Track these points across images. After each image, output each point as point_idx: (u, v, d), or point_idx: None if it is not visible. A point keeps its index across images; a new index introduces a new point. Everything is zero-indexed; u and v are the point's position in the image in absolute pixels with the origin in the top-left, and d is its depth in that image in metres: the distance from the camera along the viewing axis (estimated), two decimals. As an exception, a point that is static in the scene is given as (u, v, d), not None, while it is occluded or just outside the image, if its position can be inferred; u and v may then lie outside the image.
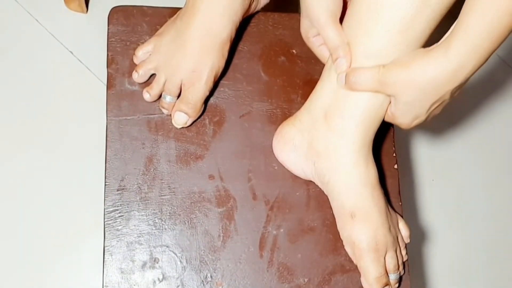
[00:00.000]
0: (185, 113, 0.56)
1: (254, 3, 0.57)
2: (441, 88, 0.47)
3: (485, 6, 0.42)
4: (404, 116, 0.50)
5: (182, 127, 0.57)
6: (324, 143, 0.53)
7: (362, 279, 0.54)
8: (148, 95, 0.57)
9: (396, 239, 0.55)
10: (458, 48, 0.44)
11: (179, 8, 0.60)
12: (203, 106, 0.57)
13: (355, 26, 0.50)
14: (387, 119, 0.53)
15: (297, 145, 0.55)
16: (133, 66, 0.58)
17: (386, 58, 0.48)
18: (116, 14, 0.60)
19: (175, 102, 0.57)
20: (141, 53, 0.58)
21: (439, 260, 1.02)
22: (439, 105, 0.49)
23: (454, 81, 0.46)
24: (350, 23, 0.50)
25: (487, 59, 0.45)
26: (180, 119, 0.57)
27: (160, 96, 0.57)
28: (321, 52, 0.57)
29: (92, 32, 0.99)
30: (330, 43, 0.51)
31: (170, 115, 0.57)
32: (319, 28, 0.52)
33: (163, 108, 0.57)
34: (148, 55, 0.57)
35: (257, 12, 0.61)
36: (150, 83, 0.57)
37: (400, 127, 0.53)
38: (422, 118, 0.51)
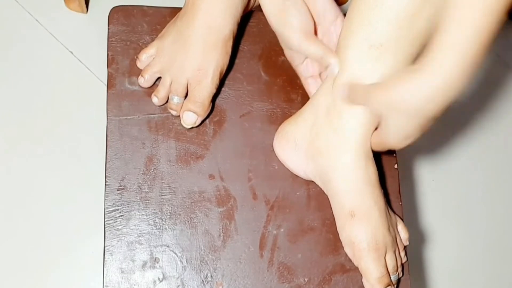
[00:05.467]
0: (194, 112, 0.56)
1: None
2: (428, 107, 0.44)
3: (463, 13, 0.40)
4: (393, 137, 0.48)
5: (192, 127, 0.57)
6: (325, 142, 0.53)
7: (364, 281, 0.54)
8: (156, 98, 0.57)
9: (395, 240, 0.55)
10: (443, 62, 0.41)
11: (179, 8, 0.60)
12: (211, 104, 0.57)
13: (356, 16, 0.50)
14: (375, 147, 0.52)
15: (298, 144, 0.55)
16: (133, 66, 0.58)
17: (388, 53, 0.48)
18: (116, 14, 0.60)
19: (183, 102, 0.57)
20: (144, 57, 0.58)
21: (439, 260, 1.02)
22: (428, 122, 0.46)
23: (441, 98, 0.43)
24: (351, 15, 0.50)
25: (475, 68, 0.42)
26: (189, 119, 0.56)
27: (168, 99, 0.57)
28: (308, 87, 0.59)
29: (92, 32, 0.99)
30: (314, 56, 0.52)
31: (179, 116, 0.57)
32: (298, 49, 0.53)
33: (172, 109, 0.57)
34: (152, 59, 0.57)
35: (257, 9, 0.61)
36: (156, 85, 0.57)
37: (390, 149, 0.51)
38: (412, 138, 0.48)
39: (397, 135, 0.48)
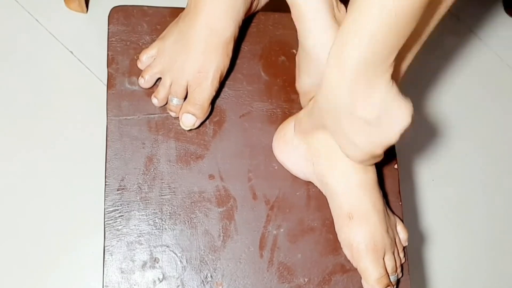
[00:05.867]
0: (193, 115, 0.56)
1: (255, 1, 0.57)
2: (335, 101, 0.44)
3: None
4: (349, 149, 0.48)
5: (191, 129, 0.57)
6: (324, 143, 0.53)
7: (363, 282, 0.54)
8: (156, 100, 0.57)
9: (394, 241, 0.55)
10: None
11: (179, 8, 0.60)
12: (210, 106, 0.57)
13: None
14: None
15: (296, 145, 0.55)
16: (133, 66, 0.58)
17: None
18: (116, 14, 0.60)
19: (182, 104, 0.57)
20: (145, 58, 0.57)
21: (439, 261, 1.02)
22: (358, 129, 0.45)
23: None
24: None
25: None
26: (188, 121, 0.56)
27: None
28: None
29: (92, 32, 0.99)
30: None
31: (178, 117, 0.57)
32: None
33: (171, 111, 0.57)
34: (153, 59, 0.57)
35: (258, 11, 0.61)
36: (156, 86, 0.57)
37: (364, 164, 0.51)
38: (367, 149, 0.46)
39: (347, 144, 0.48)
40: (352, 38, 0.40)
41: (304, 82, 0.55)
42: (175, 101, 0.56)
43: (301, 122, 0.55)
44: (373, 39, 0.39)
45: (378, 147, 0.46)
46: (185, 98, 0.56)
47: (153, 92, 0.58)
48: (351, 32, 0.40)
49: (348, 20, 0.41)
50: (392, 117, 0.43)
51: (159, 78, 0.57)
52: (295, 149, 0.56)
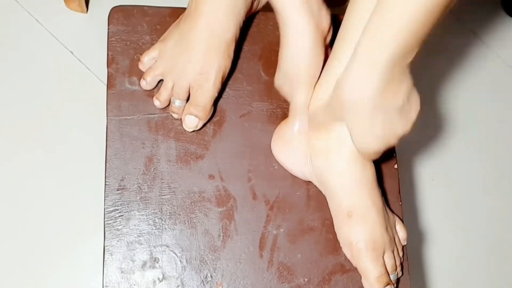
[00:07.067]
0: (195, 116, 0.56)
1: (256, 1, 0.57)
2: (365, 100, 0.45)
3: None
4: (366, 140, 0.49)
5: (193, 130, 0.57)
6: (322, 142, 0.53)
7: (363, 280, 0.54)
8: (158, 102, 0.57)
9: (393, 239, 0.55)
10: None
11: (179, 8, 0.60)
12: (213, 107, 0.57)
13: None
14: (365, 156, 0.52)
15: (295, 145, 0.55)
16: (133, 66, 0.58)
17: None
18: (116, 14, 0.60)
19: (185, 106, 0.57)
20: (146, 60, 0.57)
21: (439, 260, 1.02)
22: (391, 116, 0.47)
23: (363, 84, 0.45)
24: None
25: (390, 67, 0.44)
26: (191, 123, 0.56)
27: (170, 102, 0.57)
28: None
29: (92, 32, 0.99)
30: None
31: (179, 118, 0.57)
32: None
33: (173, 112, 0.57)
34: (154, 61, 0.57)
35: (258, 11, 0.61)
36: (158, 88, 0.57)
37: (369, 158, 0.52)
38: (385, 138, 0.48)
39: (366, 139, 0.48)
40: (385, 33, 0.42)
41: (277, 76, 0.57)
42: (177, 103, 0.56)
43: (317, 116, 0.53)
44: (410, 31, 0.41)
45: (394, 136, 0.48)
46: (187, 99, 0.56)
47: (153, 93, 0.58)
48: (381, 28, 0.42)
49: (373, 19, 0.43)
50: (411, 104, 0.47)
51: (161, 80, 0.57)
52: (294, 148, 0.56)
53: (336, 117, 0.50)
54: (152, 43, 0.59)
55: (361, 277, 0.55)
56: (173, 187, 0.57)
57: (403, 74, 0.45)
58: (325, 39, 0.53)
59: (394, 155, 0.61)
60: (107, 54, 0.59)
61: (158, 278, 0.54)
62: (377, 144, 0.48)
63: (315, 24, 0.51)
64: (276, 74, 0.56)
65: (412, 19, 0.41)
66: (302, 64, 0.53)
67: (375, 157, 0.51)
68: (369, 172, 0.53)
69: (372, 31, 0.43)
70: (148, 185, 0.56)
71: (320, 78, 0.53)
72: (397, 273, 0.55)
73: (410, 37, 0.42)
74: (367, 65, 0.44)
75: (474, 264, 1.03)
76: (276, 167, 0.58)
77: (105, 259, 0.54)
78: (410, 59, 0.44)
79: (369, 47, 0.43)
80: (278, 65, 0.55)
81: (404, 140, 0.49)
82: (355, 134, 0.49)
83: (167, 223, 0.56)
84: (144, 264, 0.55)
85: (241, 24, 0.55)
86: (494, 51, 1.13)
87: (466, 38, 1.13)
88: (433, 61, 1.09)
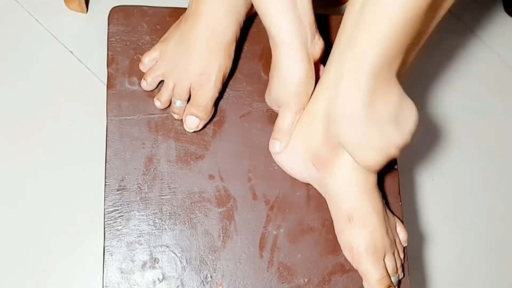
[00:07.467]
0: (196, 116, 0.56)
1: None
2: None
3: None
4: (366, 156, 0.49)
5: (194, 131, 0.57)
6: (322, 145, 0.53)
7: (365, 283, 0.54)
8: (159, 102, 0.57)
9: (394, 242, 0.55)
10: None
11: (179, 8, 0.60)
12: (214, 108, 0.57)
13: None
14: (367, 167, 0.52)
15: (294, 147, 0.55)
16: (133, 66, 0.58)
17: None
18: (116, 14, 0.60)
19: (186, 106, 0.56)
20: (147, 60, 0.57)
21: (439, 260, 1.02)
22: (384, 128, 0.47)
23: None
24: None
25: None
26: (192, 123, 0.56)
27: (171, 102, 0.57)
28: None
29: (92, 32, 0.99)
30: None
31: (180, 119, 0.57)
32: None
33: (174, 113, 0.57)
34: (155, 62, 0.57)
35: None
36: (158, 88, 0.57)
37: (373, 170, 0.52)
38: (384, 150, 0.48)
39: (365, 150, 0.49)
40: (367, 46, 0.42)
41: (267, 94, 0.57)
42: (178, 104, 0.56)
43: (318, 153, 0.53)
44: (390, 41, 0.41)
45: (393, 147, 0.48)
46: (188, 100, 0.56)
47: (153, 93, 0.58)
48: (365, 42, 0.42)
49: (353, 33, 0.43)
50: (405, 114, 0.47)
51: (162, 81, 0.57)
52: (293, 151, 0.55)
53: (335, 145, 0.51)
54: (152, 43, 0.59)
55: (361, 279, 0.55)
56: (173, 187, 0.57)
57: (390, 84, 0.45)
58: (316, 65, 0.53)
59: (394, 155, 0.61)
60: (107, 54, 0.59)
61: (158, 279, 0.54)
62: (377, 157, 0.48)
63: (307, 51, 0.51)
64: (267, 92, 0.57)
65: (390, 30, 0.41)
66: (293, 92, 0.52)
67: (378, 168, 0.51)
68: (370, 175, 0.53)
69: (352, 44, 0.43)
70: (148, 185, 0.56)
71: (314, 93, 0.53)
72: (398, 275, 0.55)
73: (390, 47, 0.42)
74: (353, 78, 0.44)
75: (474, 264, 1.03)
76: (276, 167, 0.58)
77: (105, 259, 0.54)
78: (395, 68, 0.44)
79: (352, 59, 0.44)
80: (269, 84, 0.56)
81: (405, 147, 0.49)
82: (355, 150, 0.49)
83: (167, 223, 0.56)
84: (144, 265, 0.55)
85: (242, 24, 0.55)
86: (494, 51, 1.13)
87: (465, 38, 1.13)
88: (433, 60, 1.09)
